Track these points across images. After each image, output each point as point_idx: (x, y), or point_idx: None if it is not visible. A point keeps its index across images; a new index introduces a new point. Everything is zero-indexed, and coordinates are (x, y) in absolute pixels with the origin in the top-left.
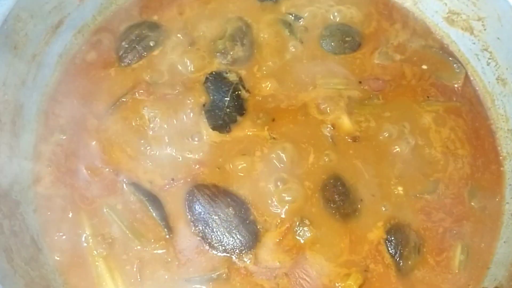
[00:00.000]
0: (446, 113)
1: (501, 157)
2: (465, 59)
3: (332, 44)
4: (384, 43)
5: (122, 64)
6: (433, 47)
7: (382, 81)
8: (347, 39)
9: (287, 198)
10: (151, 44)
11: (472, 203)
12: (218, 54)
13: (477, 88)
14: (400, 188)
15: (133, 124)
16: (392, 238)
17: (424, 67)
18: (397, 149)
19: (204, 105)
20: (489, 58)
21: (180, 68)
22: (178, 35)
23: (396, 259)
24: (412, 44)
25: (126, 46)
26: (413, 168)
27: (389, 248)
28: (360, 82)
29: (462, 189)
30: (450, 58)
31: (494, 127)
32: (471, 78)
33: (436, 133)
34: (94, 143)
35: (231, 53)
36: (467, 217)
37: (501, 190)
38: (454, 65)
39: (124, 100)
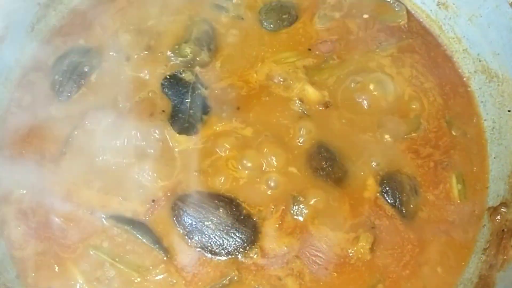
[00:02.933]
0: (401, 53)
1: (464, 78)
2: None
3: (272, 25)
4: (321, 6)
5: (61, 99)
6: None
7: (330, 41)
8: (283, 16)
9: (274, 180)
10: (86, 69)
11: (453, 132)
12: (174, 57)
13: (421, 20)
14: (387, 136)
15: (92, 157)
16: (387, 188)
17: (366, 16)
18: (369, 101)
19: (163, 111)
20: None
21: (124, 84)
22: (111, 53)
23: (398, 207)
24: None
25: (61, 79)
26: (390, 114)
27: (388, 199)
28: (309, 49)
29: (441, 121)
30: (387, 0)
31: (449, 52)
32: (413, 12)
33: (399, 74)
34: (57, 188)
35: (198, 59)
36: (453, 146)
37: (475, 110)
38: (393, 5)
39: (76, 134)
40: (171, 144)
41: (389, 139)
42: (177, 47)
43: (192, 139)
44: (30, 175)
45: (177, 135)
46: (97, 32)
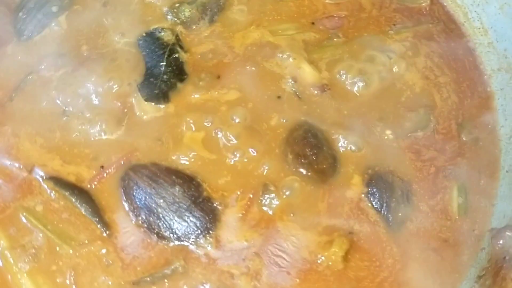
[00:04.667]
0: (416, 38)
1: (485, 76)
2: None
3: None
4: None
5: (22, 38)
6: None
7: (338, 17)
8: None
9: (244, 162)
10: (54, 9)
11: (463, 136)
12: (169, 15)
13: (445, 4)
14: (388, 132)
15: (43, 107)
16: (375, 189)
17: None
18: (372, 89)
19: (133, 70)
20: None
21: (96, 32)
22: None
23: (383, 213)
24: None
25: (24, 16)
26: (395, 106)
27: (373, 202)
28: (313, 23)
29: (452, 122)
30: None
31: (472, 43)
32: None
33: (411, 63)
34: None
35: (193, 26)
36: (461, 153)
37: (492, 114)
38: None
39: (29, 79)
40: (136, 112)
41: (390, 135)
42: (177, 5)
43: (160, 109)
44: None
45: (144, 102)
46: None
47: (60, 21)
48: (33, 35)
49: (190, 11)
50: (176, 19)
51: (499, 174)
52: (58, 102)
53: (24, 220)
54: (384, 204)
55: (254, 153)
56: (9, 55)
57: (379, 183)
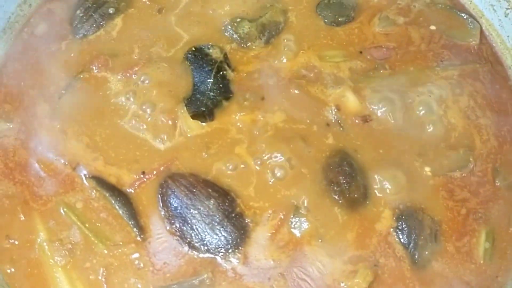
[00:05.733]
0: (462, 77)
1: None
2: (479, 12)
3: (326, 20)
4: (387, 7)
5: (77, 36)
6: (440, 3)
7: (386, 48)
8: (340, 19)
9: (280, 183)
10: (110, 11)
11: (497, 181)
12: (228, 28)
13: (494, 45)
14: (427, 169)
15: (92, 107)
16: (404, 225)
17: (433, 27)
18: (414, 123)
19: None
20: (507, 8)
21: (149, 38)
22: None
23: (410, 250)
24: (416, 3)
25: (81, 15)
26: (436, 143)
27: (401, 238)
28: (360, 52)
29: (489, 165)
30: (461, 13)
31: None
32: (487, 34)
33: (454, 102)
34: (46, 132)
35: (248, 44)
36: (493, 199)
37: None
38: (467, 20)
39: (80, 78)
40: (182, 129)
41: (429, 172)
42: (238, 20)
43: (205, 127)
44: (21, 110)
45: (190, 119)
46: None
47: (116, 23)
48: (88, 34)
49: (249, 28)
50: (234, 33)
51: None
52: (107, 104)
53: (63, 215)
54: (412, 241)
55: (290, 174)
56: (64, 52)
57: (409, 219)
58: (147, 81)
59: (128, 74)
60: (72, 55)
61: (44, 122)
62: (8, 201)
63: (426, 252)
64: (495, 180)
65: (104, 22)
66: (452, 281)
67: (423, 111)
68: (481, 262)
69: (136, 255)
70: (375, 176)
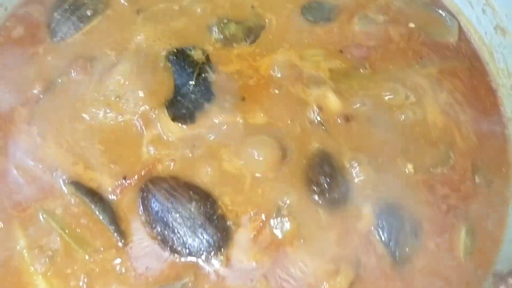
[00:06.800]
0: (441, 74)
1: (504, 118)
2: (457, 9)
3: (307, 21)
4: (366, 5)
5: (55, 39)
6: (418, 1)
7: (366, 47)
8: (320, 20)
9: (261, 184)
10: (88, 13)
11: (476, 178)
12: (215, 29)
13: (472, 41)
14: (409, 166)
15: (71, 111)
16: (384, 223)
17: (412, 25)
18: (394, 122)
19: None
20: (485, 5)
21: (126, 39)
22: (122, 1)
23: (391, 248)
24: (395, 1)
25: (59, 17)
26: (417, 140)
27: (382, 236)
28: (341, 51)
29: (469, 162)
30: (439, 11)
31: (494, 84)
32: (465, 31)
33: (434, 99)
34: (23, 137)
35: (234, 45)
36: (473, 195)
37: (507, 158)
38: (445, 18)
39: (59, 81)
40: (161, 132)
41: (411, 169)
42: (225, 21)
43: (186, 131)
44: None
45: (171, 122)
46: None
47: (94, 25)
48: (67, 37)
49: (235, 30)
50: (220, 34)
51: (508, 219)
52: (86, 107)
53: (43, 221)
54: (393, 239)
55: (270, 175)
56: (41, 56)
57: (390, 216)
58: (127, 83)
59: (107, 77)
60: (49, 58)
61: (21, 127)
62: None
63: (407, 249)
64: (475, 177)
65: (82, 24)
66: (433, 277)
67: (403, 108)
68: (461, 257)
69: (118, 260)
70: (355, 174)
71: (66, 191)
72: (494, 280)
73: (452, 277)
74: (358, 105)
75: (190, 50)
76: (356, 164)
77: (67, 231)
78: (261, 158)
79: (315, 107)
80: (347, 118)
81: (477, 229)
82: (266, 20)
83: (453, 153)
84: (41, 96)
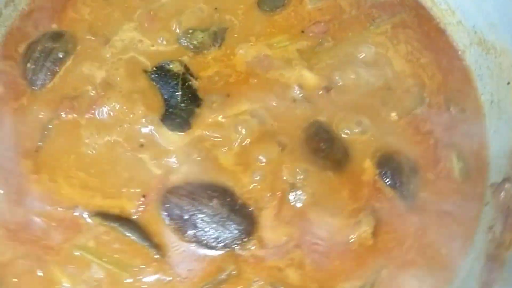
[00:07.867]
0: (394, 29)
1: (460, 52)
2: None
3: (265, 11)
4: None
5: (35, 88)
6: None
7: (324, 22)
8: (276, 7)
9: (264, 169)
10: (60, 55)
11: (451, 109)
12: (183, 39)
13: None
14: (393, 114)
15: (73, 150)
16: (385, 169)
17: None
18: (368, 80)
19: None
20: None
21: (104, 71)
22: (88, 36)
23: (398, 189)
24: None
25: (33, 67)
26: (392, 90)
27: (387, 181)
28: (303, 32)
29: (441, 97)
30: None
31: (442, 25)
32: None
33: (395, 51)
34: (35, 186)
35: (204, 51)
36: (453, 124)
37: (472, 85)
38: None
39: (51, 127)
40: (162, 144)
41: (395, 116)
42: (191, 31)
43: (185, 137)
44: (5, 173)
45: (170, 133)
46: (71, 15)
47: (68, 66)
48: (46, 83)
49: (202, 37)
50: (189, 43)
51: (487, 137)
52: (86, 142)
53: (79, 257)
54: (397, 181)
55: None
56: (27, 106)
57: (389, 163)
58: (117, 106)
59: (94, 110)
60: (35, 107)
61: (31, 177)
62: (22, 261)
63: (412, 186)
64: (450, 108)
65: (57, 67)
66: (440, 203)
67: (372, 67)
68: (460, 180)
69: (161, 272)
70: (347, 131)
71: (92, 223)
72: (492, 190)
73: (458, 199)
74: (334, 75)
75: (168, 64)
76: (347, 125)
77: (104, 259)
78: (244, 131)
79: (296, 87)
80: (327, 89)
81: (465, 151)
82: (227, 21)
83: (426, 92)
84: (40, 143)
